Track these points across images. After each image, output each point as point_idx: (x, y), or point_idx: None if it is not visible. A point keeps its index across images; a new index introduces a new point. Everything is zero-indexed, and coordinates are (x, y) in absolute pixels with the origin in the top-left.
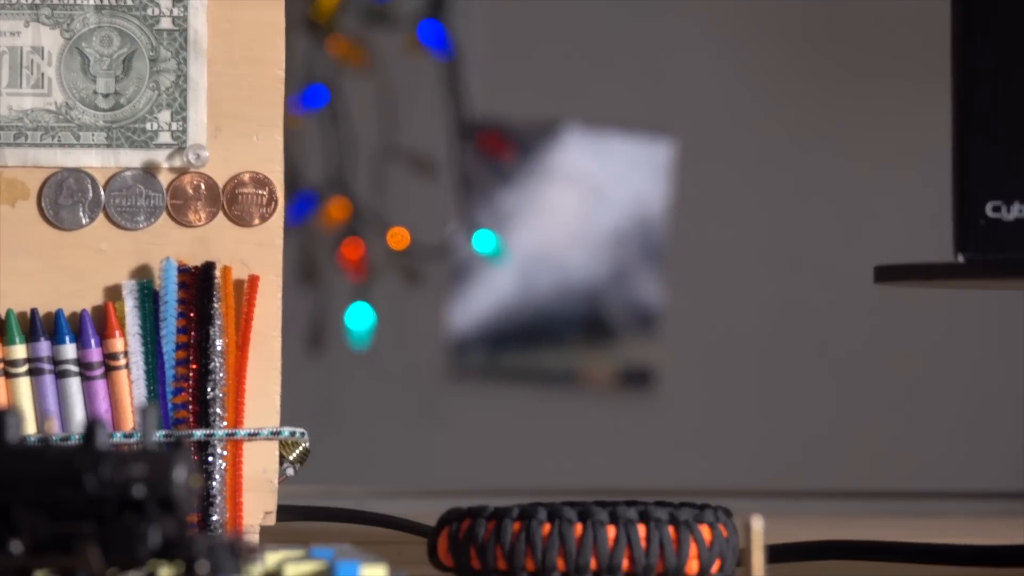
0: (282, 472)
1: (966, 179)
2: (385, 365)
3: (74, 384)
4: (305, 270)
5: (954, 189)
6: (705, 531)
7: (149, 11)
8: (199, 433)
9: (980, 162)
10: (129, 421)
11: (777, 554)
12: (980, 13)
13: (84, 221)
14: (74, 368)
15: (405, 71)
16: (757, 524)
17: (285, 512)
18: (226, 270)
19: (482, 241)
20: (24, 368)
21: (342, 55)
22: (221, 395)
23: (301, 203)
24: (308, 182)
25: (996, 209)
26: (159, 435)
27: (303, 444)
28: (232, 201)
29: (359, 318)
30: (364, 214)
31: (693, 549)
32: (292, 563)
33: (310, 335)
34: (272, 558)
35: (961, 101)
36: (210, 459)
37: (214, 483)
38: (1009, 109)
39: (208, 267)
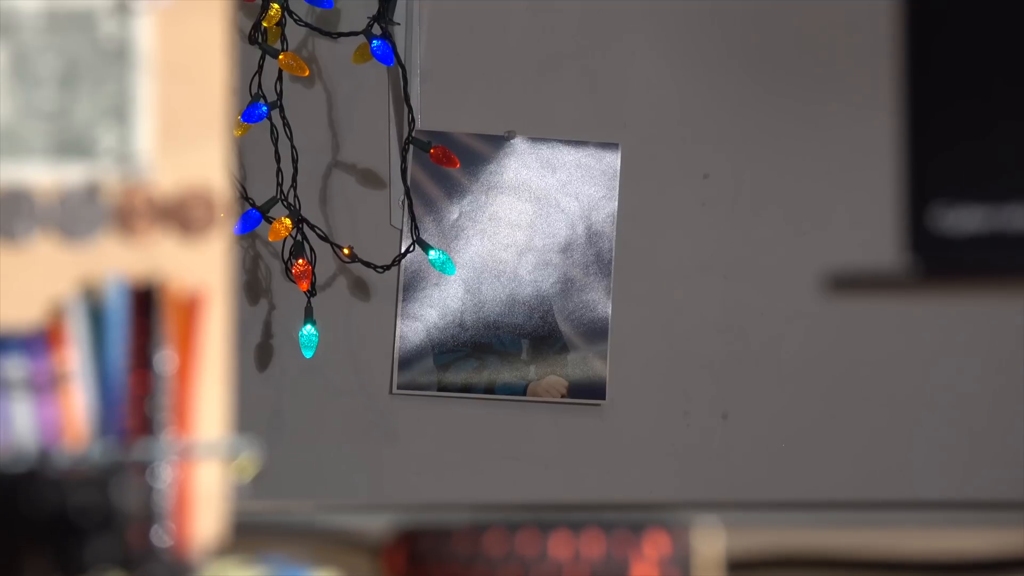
0: (231, 485)
1: (912, 183)
2: (334, 379)
3: (21, 399)
4: (252, 283)
5: (900, 193)
6: (658, 543)
7: (94, 26)
8: (146, 448)
9: (927, 166)
10: (76, 436)
11: (734, 565)
12: (929, 18)
13: (28, 236)
14: (21, 383)
15: (351, 83)
16: (711, 535)
17: (234, 526)
18: (172, 284)
19: (430, 255)
20: None
21: (288, 68)
22: (168, 410)
23: (248, 216)
24: (255, 194)
25: (942, 212)
26: (106, 451)
27: (252, 458)
28: (177, 215)
29: (307, 332)
30: (311, 227)
31: (646, 562)
32: (237, 574)
33: (258, 349)
34: (218, 570)
35: (909, 106)
36: (158, 474)
37: (161, 499)
38: (959, 112)
39: (154, 281)
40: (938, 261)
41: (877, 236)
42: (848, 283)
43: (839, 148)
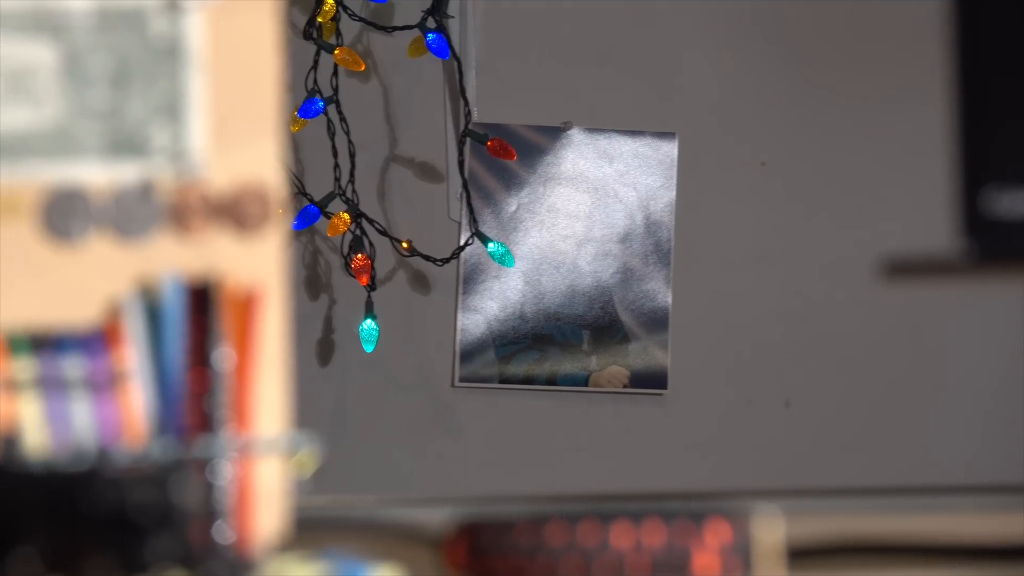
0: (291, 481)
1: (966, 168)
2: (395, 373)
3: (80, 399)
4: (312, 279)
5: (954, 178)
6: (719, 532)
7: (145, 24)
8: (206, 445)
9: (980, 150)
10: (135, 435)
11: (795, 553)
12: (980, 1)
13: (84, 236)
14: (80, 382)
15: (407, 77)
16: (772, 523)
17: (295, 521)
18: (229, 281)
19: (490, 247)
20: (30, 384)
21: (343, 63)
22: (228, 407)
23: (306, 212)
24: (312, 190)
25: (996, 195)
26: (165, 449)
27: (312, 454)
28: (233, 211)
29: (368, 326)
30: (370, 221)
31: (708, 551)
32: (299, 569)
33: (319, 344)
34: (280, 566)
35: (961, 91)
36: (218, 471)
37: (222, 496)
38: (1011, 96)
39: (210, 278)
40: (993, 244)
41: (934, 221)
42: (904, 268)
43: (894, 134)
